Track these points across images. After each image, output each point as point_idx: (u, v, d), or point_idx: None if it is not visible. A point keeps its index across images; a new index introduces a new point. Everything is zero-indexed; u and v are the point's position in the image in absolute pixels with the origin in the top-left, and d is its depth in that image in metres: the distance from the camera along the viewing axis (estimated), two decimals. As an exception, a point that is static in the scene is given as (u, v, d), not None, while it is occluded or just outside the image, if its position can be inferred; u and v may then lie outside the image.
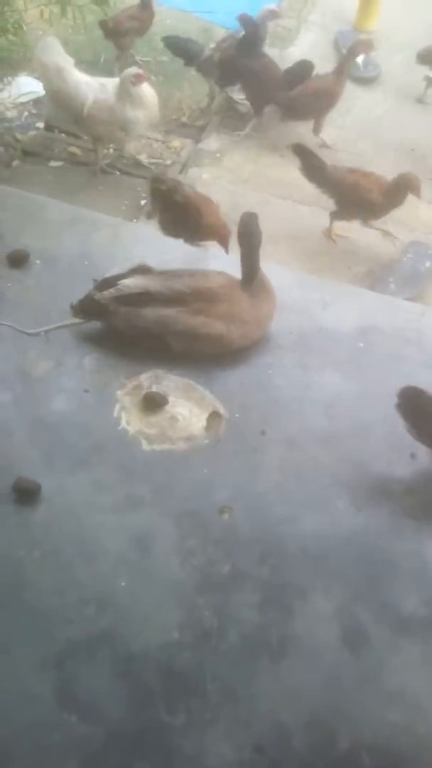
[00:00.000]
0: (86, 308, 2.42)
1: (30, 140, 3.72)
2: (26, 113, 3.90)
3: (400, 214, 3.56)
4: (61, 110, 3.54)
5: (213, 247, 2.85)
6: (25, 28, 3.82)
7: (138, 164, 3.67)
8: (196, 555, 1.99)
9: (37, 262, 2.73)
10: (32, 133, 3.78)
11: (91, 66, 4.24)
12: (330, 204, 3.34)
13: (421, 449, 2.30)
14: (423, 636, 1.90)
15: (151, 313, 2.37)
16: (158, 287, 2.38)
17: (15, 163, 3.60)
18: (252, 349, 2.52)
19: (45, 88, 3.55)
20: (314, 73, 3.79)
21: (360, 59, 4.38)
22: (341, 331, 2.64)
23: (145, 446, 2.23)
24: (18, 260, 2.71)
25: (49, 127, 3.80)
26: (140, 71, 3.43)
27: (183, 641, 1.83)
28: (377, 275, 3.18)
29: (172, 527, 2.04)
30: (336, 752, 1.70)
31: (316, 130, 3.93)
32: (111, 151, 3.71)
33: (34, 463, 2.14)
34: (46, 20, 3.60)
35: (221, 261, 2.78)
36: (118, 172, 3.67)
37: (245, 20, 3.79)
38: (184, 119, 4.02)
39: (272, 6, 3.90)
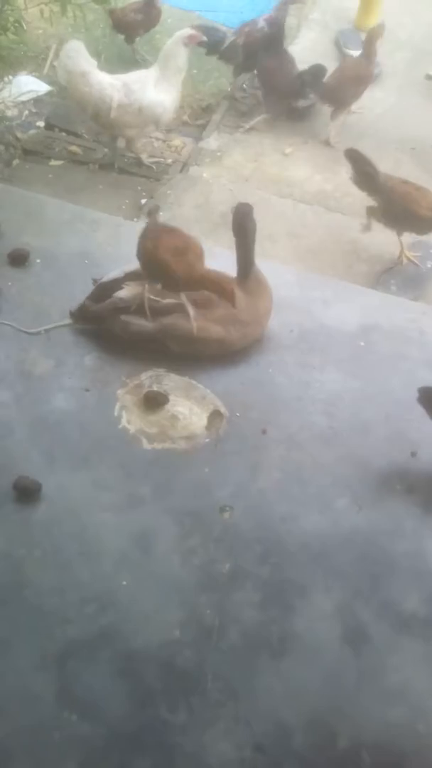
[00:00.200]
0: (83, 316, 2.43)
1: (30, 139, 3.72)
2: (26, 112, 3.89)
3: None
4: (87, 114, 3.52)
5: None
6: (25, 26, 3.81)
7: (139, 163, 3.66)
8: (197, 553, 1.99)
9: (38, 261, 2.74)
10: (32, 131, 3.78)
11: (92, 65, 4.25)
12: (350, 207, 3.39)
13: (421, 448, 2.30)
14: (423, 635, 1.90)
15: (148, 321, 2.37)
16: (152, 301, 2.37)
17: (15, 162, 3.59)
18: (253, 347, 2.52)
19: (71, 95, 3.51)
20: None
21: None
22: (342, 330, 2.64)
23: (146, 445, 2.23)
24: (18, 259, 2.71)
25: (49, 126, 3.79)
26: (193, 32, 3.38)
27: (184, 639, 1.83)
28: (378, 275, 3.17)
29: (173, 526, 2.04)
30: (336, 751, 1.70)
31: (335, 116, 4.01)
32: (107, 151, 3.71)
33: (35, 462, 2.14)
34: (46, 19, 3.59)
35: (220, 260, 2.77)
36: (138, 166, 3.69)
37: (271, 20, 3.90)
38: (184, 118, 4.01)
39: None
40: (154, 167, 3.65)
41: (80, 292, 2.47)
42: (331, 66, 3.99)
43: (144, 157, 3.66)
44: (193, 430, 2.28)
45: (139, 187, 3.54)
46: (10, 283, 2.63)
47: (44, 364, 2.40)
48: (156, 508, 2.08)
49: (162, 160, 3.71)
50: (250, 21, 4.09)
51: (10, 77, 3.97)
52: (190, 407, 2.33)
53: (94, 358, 2.44)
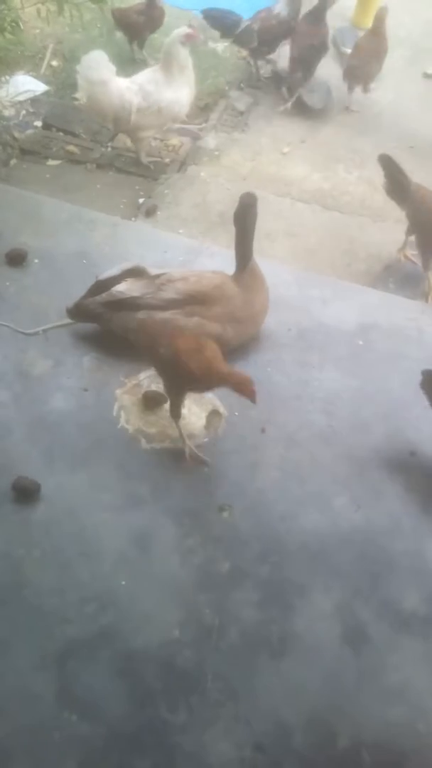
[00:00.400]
0: (80, 312, 2.43)
1: (28, 139, 3.71)
2: (24, 112, 3.89)
3: (400, 213, 3.55)
4: (107, 121, 3.53)
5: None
6: (22, 26, 3.80)
7: (137, 162, 3.65)
8: (196, 553, 1.99)
9: (36, 260, 2.73)
10: (30, 131, 3.77)
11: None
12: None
13: (420, 447, 2.30)
14: (423, 633, 1.90)
15: (146, 316, 2.37)
16: (150, 297, 2.37)
17: (13, 161, 3.58)
18: (251, 346, 2.52)
19: (90, 104, 3.50)
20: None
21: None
22: (341, 329, 2.64)
23: (145, 445, 2.23)
24: (16, 259, 2.71)
25: (46, 126, 3.79)
26: (190, 30, 3.40)
27: (183, 639, 1.83)
28: (377, 274, 3.17)
29: (172, 526, 2.04)
30: (336, 750, 1.70)
31: (365, 89, 4.19)
32: (109, 149, 3.70)
33: (34, 462, 2.14)
34: (43, 18, 3.58)
35: (217, 259, 2.78)
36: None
37: None
38: (183, 117, 4.01)
39: None
40: (151, 166, 3.65)
41: (78, 291, 2.46)
42: (331, 64, 4.00)
43: (142, 156, 3.66)
44: (192, 429, 2.28)
45: (137, 187, 3.53)
46: (8, 283, 2.63)
47: (42, 365, 2.40)
48: (155, 507, 2.08)
49: (159, 159, 3.71)
50: (265, 8, 4.18)
51: (7, 77, 3.96)
52: (188, 407, 2.33)
53: (93, 358, 2.44)
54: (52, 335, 2.49)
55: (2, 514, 2.03)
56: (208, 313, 2.39)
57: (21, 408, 2.28)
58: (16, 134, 3.74)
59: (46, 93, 4.02)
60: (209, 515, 2.07)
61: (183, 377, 2.06)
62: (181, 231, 3.22)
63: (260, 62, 4.33)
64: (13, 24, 3.51)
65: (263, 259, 2.51)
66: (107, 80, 3.36)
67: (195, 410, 2.33)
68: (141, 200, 3.43)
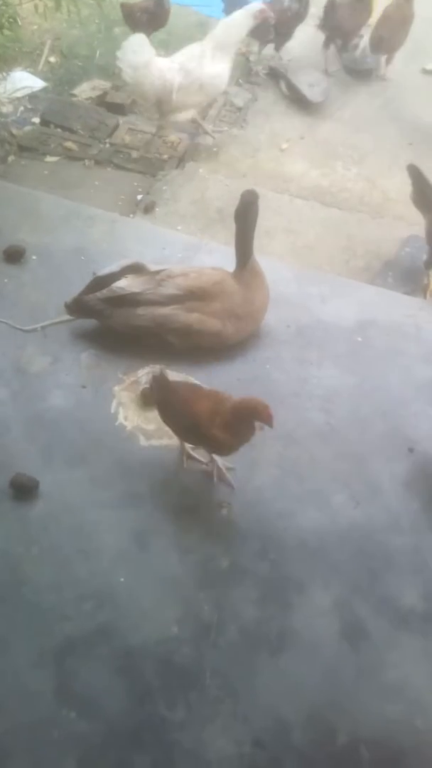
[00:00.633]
0: (79, 308, 2.42)
1: (25, 135, 3.70)
2: (22, 108, 3.88)
3: (398, 209, 3.55)
4: (149, 103, 3.59)
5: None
6: (20, 22, 3.79)
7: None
8: (194, 550, 1.99)
9: (34, 257, 2.73)
10: (28, 128, 3.76)
11: (87, 61, 4.23)
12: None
13: (418, 444, 2.30)
14: (422, 630, 1.90)
15: (146, 312, 2.37)
16: (150, 292, 2.36)
17: (10, 158, 3.57)
18: (250, 343, 2.52)
19: (133, 88, 3.57)
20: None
21: (358, 52, 4.40)
22: (339, 326, 2.64)
23: (143, 442, 2.22)
24: (14, 255, 2.70)
25: (44, 122, 3.77)
26: (264, 6, 3.45)
27: (182, 636, 1.83)
28: (375, 270, 3.17)
29: (171, 523, 2.04)
30: (335, 746, 1.70)
31: (390, 60, 4.33)
32: (107, 145, 3.70)
33: (32, 459, 2.13)
34: (40, 14, 3.57)
35: (216, 256, 2.77)
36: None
37: None
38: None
39: None
40: (215, 137, 3.78)
41: (76, 288, 2.46)
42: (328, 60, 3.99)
43: (208, 127, 3.79)
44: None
45: (135, 183, 3.52)
46: (6, 280, 2.63)
47: (40, 362, 2.40)
48: (153, 504, 2.07)
49: (158, 155, 3.70)
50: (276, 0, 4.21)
51: (5, 73, 3.95)
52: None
53: (91, 354, 2.44)
54: (50, 332, 2.48)
55: (0, 511, 2.02)
56: (208, 309, 2.39)
57: (19, 405, 2.27)
58: (14, 131, 3.73)
59: (43, 89, 4.01)
60: (208, 512, 2.07)
61: (204, 441, 2.02)
62: (179, 227, 3.21)
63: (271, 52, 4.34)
64: (11, 20, 3.51)
65: (262, 256, 2.50)
66: (149, 62, 3.41)
67: (193, 407, 2.32)
68: (139, 197, 3.42)
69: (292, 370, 2.48)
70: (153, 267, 2.46)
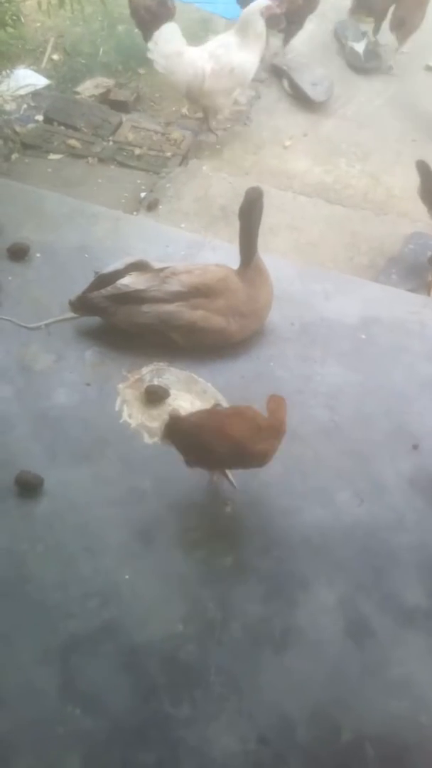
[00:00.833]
0: (83, 305, 2.42)
1: (29, 133, 3.70)
2: (25, 106, 3.87)
3: (402, 206, 3.55)
4: (180, 91, 3.69)
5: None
6: (23, 20, 3.78)
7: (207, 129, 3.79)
8: (199, 547, 1.99)
9: (38, 255, 2.73)
10: (31, 125, 3.76)
11: (90, 58, 4.22)
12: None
13: (423, 441, 2.29)
14: (426, 627, 1.90)
15: (150, 309, 2.37)
16: (155, 289, 2.36)
17: (14, 156, 3.57)
18: (253, 340, 2.51)
19: (164, 77, 3.66)
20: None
21: (361, 50, 4.38)
22: (343, 323, 2.63)
23: (147, 439, 2.23)
24: (18, 253, 2.70)
25: (48, 120, 3.77)
26: (271, 2, 3.52)
27: (187, 633, 1.83)
28: (379, 267, 3.16)
29: (175, 520, 2.04)
30: (340, 743, 1.70)
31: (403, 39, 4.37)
32: (110, 143, 3.69)
33: (37, 456, 2.14)
34: (44, 12, 3.57)
35: (220, 253, 2.77)
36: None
37: None
38: (183, 111, 3.99)
39: None
40: (217, 134, 3.82)
41: (80, 285, 2.46)
42: (330, 60, 3.97)
43: (222, 118, 3.86)
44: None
45: (139, 181, 3.52)
46: (10, 278, 2.63)
47: (45, 359, 2.40)
48: (158, 502, 2.08)
49: (161, 153, 3.70)
50: None
51: (9, 71, 3.94)
52: (191, 401, 2.33)
53: (95, 352, 2.44)
54: (55, 330, 2.49)
55: (5, 509, 2.03)
56: (212, 306, 2.39)
57: (23, 403, 2.28)
58: (18, 128, 3.73)
59: (47, 87, 4.01)
60: (212, 509, 2.07)
61: (247, 460, 1.97)
62: (183, 225, 3.21)
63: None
64: (14, 17, 3.49)
65: (266, 253, 2.50)
66: (181, 51, 3.53)
67: (197, 404, 2.32)
68: (143, 194, 3.42)
69: (295, 367, 2.47)
70: (157, 264, 2.46)
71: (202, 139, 3.81)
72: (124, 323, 2.41)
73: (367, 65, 4.40)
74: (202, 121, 3.86)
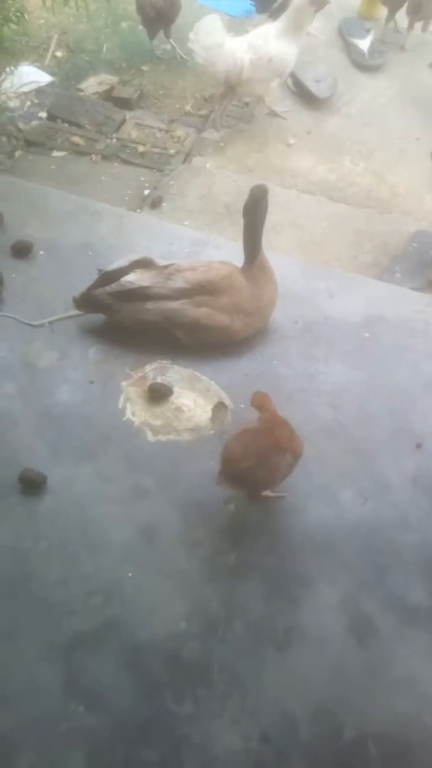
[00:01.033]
0: (87, 302, 2.42)
1: (32, 130, 3.70)
2: (28, 103, 3.87)
3: (406, 204, 3.54)
4: (219, 81, 3.76)
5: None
6: (26, 16, 3.78)
7: (273, 114, 3.89)
8: (202, 545, 1.99)
9: (41, 252, 2.73)
10: (35, 122, 3.75)
11: (94, 55, 4.22)
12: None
13: (426, 440, 2.29)
14: (430, 626, 1.90)
15: (155, 306, 2.37)
16: (159, 286, 2.36)
17: (18, 153, 3.57)
18: (257, 339, 2.51)
19: (204, 67, 3.72)
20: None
21: (366, 47, 4.38)
22: (347, 321, 2.63)
23: (150, 437, 2.23)
24: (22, 251, 2.70)
25: (51, 117, 3.77)
26: None
27: (189, 631, 1.83)
28: (383, 266, 3.16)
29: (178, 518, 2.04)
30: (342, 742, 1.70)
31: (426, 27, 4.52)
32: (114, 140, 3.69)
33: (40, 454, 2.14)
34: (48, 8, 3.56)
35: (223, 251, 2.77)
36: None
37: None
38: (187, 108, 3.99)
39: None
40: (286, 118, 3.93)
41: (84, 283, 2.45)
42: (337, 54, 3.95)
43: (276, 109, 3.93)
44: (198, 422, 2.28)
45: (142, 178, 3.52)
46: (13, 275, 2.63)
47: (48, 357, 2.40)
48: (161, 499, 2.08)
49: (164, 150, 3.69)
50: None
51: (12, 68, 3.94)
52: (194, 399, 2.33)
53: (99, 350, 2.44)
54: (58, 327, 2.49)
55: (8, 506, 2.03)
56: (217, 304, 2.39)
57: (27, 400, 2.28)
58: (21, 125, 3.73)
59: (50, 84, 4.00)
60: (215, 507, 2.07)
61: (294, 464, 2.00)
62: (186, 223, 3.21)
63: None
64: (18, 14, 3.49)
65: (269, 251, 2.50)
66: (222, 43, 3.59)
67: (200, 402, 2.32)
68: (146, 192, 3.41)
69: (299, 365, 2.47)
70: (161, 262, 2.46)
71: (205, 136, 3.80)
72: (128, 320, 2.41)
73: (371, 63, 4.39)
74: (216, 114, 3.89)
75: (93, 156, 3.60)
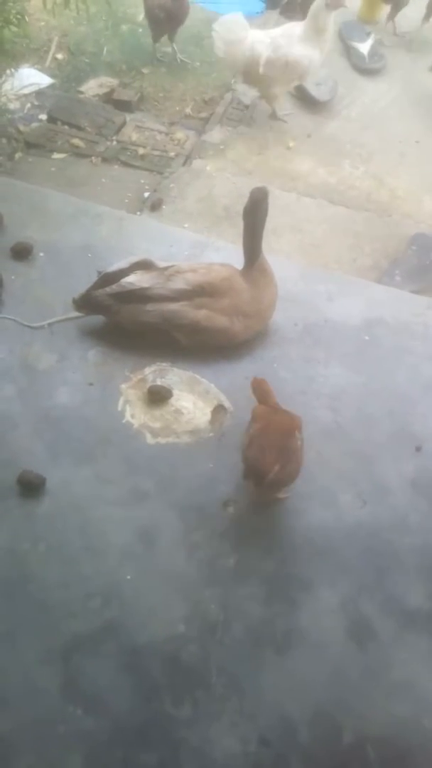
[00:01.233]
0: (87, 304, 2.42)
1: (33, 132, 3.70)
2: (29, 105, 3.88)
3: (406, 207, 3.55)
4: (236, 72, 3.87)
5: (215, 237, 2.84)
6: (27, 18, 3.78)
7: (274, 117, 3.91)
8: (201, 548, 1.99)
9: (41, 254, 2.73)
10: (35, 124, 3.76)
11: (94, 58, 4.23)
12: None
13: (426, 442, 2.29)
14: (429, 630, 1.90)
15: (155, 308, 2.37)
16: (159, 287, 2.37)
17: (18, 155, 3.58)
18: (257, 341, 2.51)
19: (224, 61, 3.78)
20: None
21: (366, 51, 4.39)
22: (347, 324, 2.63)
23: (150, 439, 2.22)
24: (22, 253, 2.70)
25: (51, 119, 3.77)
26: None
27: (188, 634, 1.83)
28: (383, 269, 3.16)
29: (177, 520, 2.04)
30: (341, 745, 1.70)
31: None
32: (114, 142, 3.69)
33: (39, 456, 2.14)
34: (48, 11, 3.57)
35: (223, 254, 2.77)
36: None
37: None
38: (187, 110, 4.00)
39: None
40: (287, 121, 3.95)
41: (84, 285, 2.45)
42: (337, 58, 3.96)
43: (278, 113, 3.94)
44: (197, 424, 2.27)
45: (142, 180, 3.52)
46: (13, 277, 2.63)
47: (48, 359, 2.40)
48: (160, 502, 2.07)
49: (165, 153, 3.70)
50: None
51: (13, 70, 3.95)
52: (194, 402, 2.32)
53: (98, 352, 2.44)
54: (58, 329, 2.49)
55: (7, 508, 2.03)
56: (216, 306, 2.38)
57: (26, 402, 2.28)
58: (21, 127, 3.73)
59: (51, 86, 4.01)
60: (214, 510, 2.07)
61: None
62: (186, 225, 3.21)
63: None
64: (19, 16, 3.50)
65: (269, 254, 2.50)
66: (243, 38, 3.64)
67: (200, 405, 2.32)
68: (146, 194, 3.42)
69: (299, 368, 2.47)
70: (161, 264, 2.46)
71: (205, 139, 3.80)
72: (128, 322, 2.40)
73: (371, 66, 4.40)
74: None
75: (93, 158, 3.61)
